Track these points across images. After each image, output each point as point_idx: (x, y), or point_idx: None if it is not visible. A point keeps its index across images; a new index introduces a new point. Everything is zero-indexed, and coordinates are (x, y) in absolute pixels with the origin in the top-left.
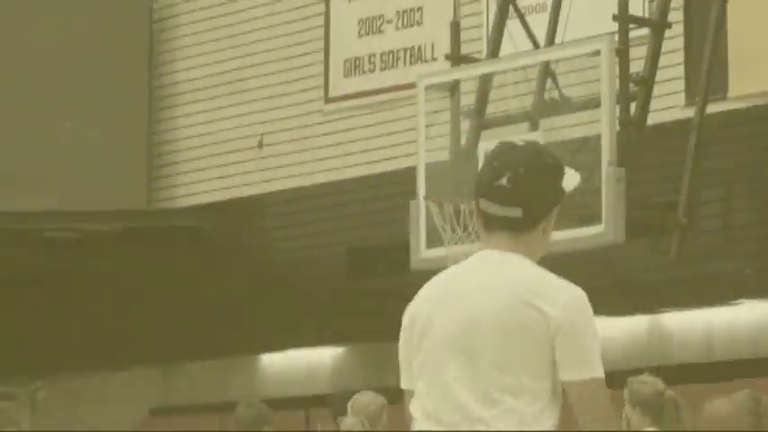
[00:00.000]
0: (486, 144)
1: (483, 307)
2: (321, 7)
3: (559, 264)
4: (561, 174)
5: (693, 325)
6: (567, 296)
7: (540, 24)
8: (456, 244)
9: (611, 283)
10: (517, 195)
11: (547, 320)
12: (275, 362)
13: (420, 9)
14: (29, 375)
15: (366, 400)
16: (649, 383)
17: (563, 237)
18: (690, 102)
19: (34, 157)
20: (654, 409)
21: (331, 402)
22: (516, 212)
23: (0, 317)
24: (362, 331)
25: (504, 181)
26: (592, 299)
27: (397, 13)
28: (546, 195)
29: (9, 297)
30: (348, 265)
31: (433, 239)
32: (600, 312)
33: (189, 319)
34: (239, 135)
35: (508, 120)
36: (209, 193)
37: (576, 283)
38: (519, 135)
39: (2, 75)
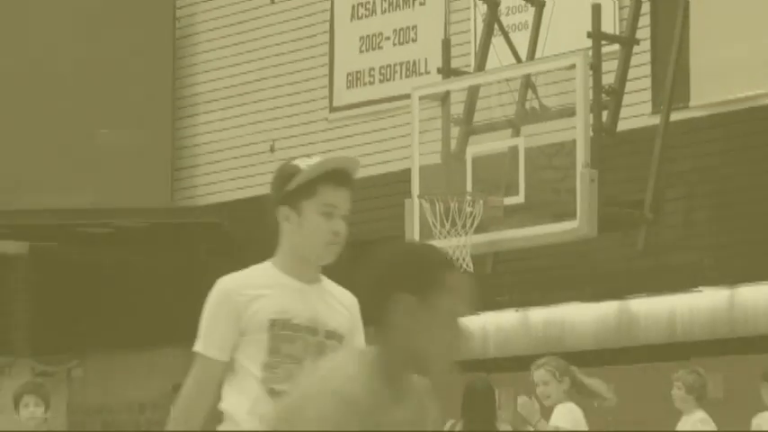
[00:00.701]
0: (474, 148)
1: None
2: (326, 26)
3: (537, 255)
4: (286, 180)
5: (657, 310)
6: None
7: (522, 41)
8: (445, 237)
9: (583, 273)
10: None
11: None
12: None
13: (415, 27)
14: (66, 354)
15: None
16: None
17: (542, 231)
18: (656, 110)
19: (72, 159)
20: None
21: None
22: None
23: (41, 301)
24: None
25: None
26: (568, 287)
27: (394, 30)
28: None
29: (49, 284)
30: (349, 257)
31: (425, 233)
32: (574, 299)
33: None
34: (253, 140)
35: (492, 127)
36: (227, 192)
37: (553, 272)
38: (502, 141)
39: (43, 87)
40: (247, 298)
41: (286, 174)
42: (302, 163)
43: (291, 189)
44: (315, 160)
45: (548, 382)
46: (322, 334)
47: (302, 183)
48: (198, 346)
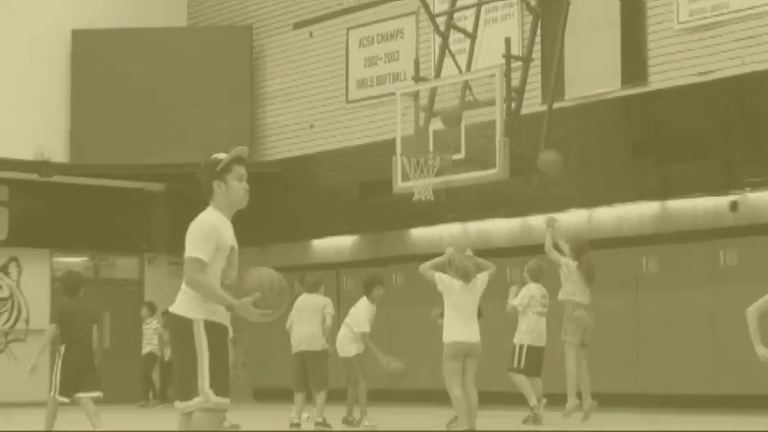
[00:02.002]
0: (434, 125)
1: None
2: (344, 51)
3: (473, 190)
4: (214, 166)
5: (542, 224)
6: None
7: (462, 59)
8: (416, 179)
9: (500, 200)
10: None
11: None
12: (315, 245)
13: (397, 52)
14: None
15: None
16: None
17: (475, 175)
18: (544, 101)
19: (182, 133)
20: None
21: None
22: None
23: (172, 217)
24: (371, 223)
25: None
26: (491, 209)
27: (385, 54)
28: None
29: (175, 205)
30: (360, 191)
31: (405, 177)
32: (495, 216)
33: (276, 216)
34: (302, 119)
35: (445, 111)
36: (285, 152)
37: (482, 200)
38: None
39: (165, 95)
40: (219, 230)
41: (213, 162)
42: (220, 155)
43: (220, 168)
44: (226, 154)
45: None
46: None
47: (225, 164)
48: (194, 254)
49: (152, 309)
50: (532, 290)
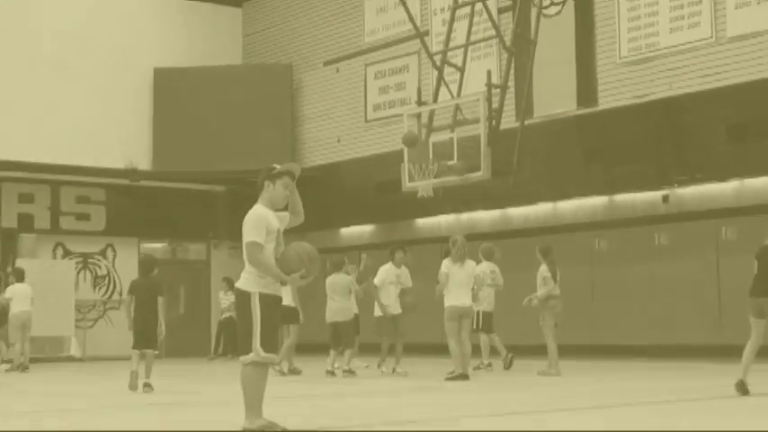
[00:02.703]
0: (433, 137)
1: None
2: (362, 82)
3: (463, 188)
4: (270, 170)
5: (518, 213)
6: (247, 215)
7: (454, 87)
8: (420, 180)
9: (484, 196)
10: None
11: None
12: (342, 232)
13: (404, 82)
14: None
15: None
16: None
17: (464, 177)
18: (517, 119)
19: (236, 150)
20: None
21: None
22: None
23: (233, 214)
24: (385, 214)
25: None
26: (478, 202)
27: (395, 83)
28: (261, 177)
29: (234, 205)
30: (376, 189)
31: (411, 178)
32: (480, 208)
33: (312, 210)
34: (331, 135)
35: (442, 127)
36: (319, 160)
37: (470, 196)
38: (447, 134)
39: (219, 131)
40: (266, 218)
41: (270, 168)
42: (276, 165)
43: (273, 173)
44: (281, 166)
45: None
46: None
47: (277, 172)
48: (252, 239)
49: (230, 284)
50: (484, 267)
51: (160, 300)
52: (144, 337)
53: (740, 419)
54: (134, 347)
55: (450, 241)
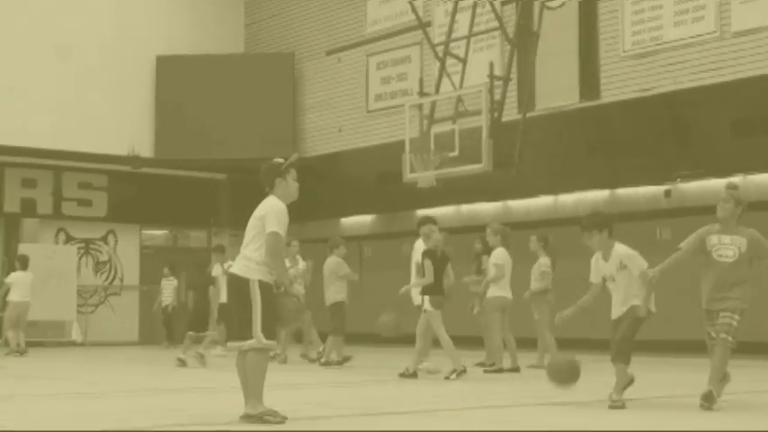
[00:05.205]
0: (435, 129)
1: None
2: (364, 72)
3: (464, 179)
4: (277, 167)
5: (519, 205)
6: (266, 205)
7: (456, 78)
8: (421, 172)
9: (486, 187)
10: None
11: (261, 220)
12: (343, 222)
13: (406, 73)
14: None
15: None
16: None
17: (466, 168)
18: (519, 112)
19: (237, 138)
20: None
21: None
22: None
23: (234, 202)
24: (383, 206)
25: None
26: (479, 193)
27: (397, 74)
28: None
29: (235, 192)
30: (377, 180)
31: (412, 169)
32: (482, 200)
33: (312, 199)
34: (332, 125)
35: (443, 119)
36: (321, 149)
37: (472, 187)
38: (448, 126)
39: (220, 119)
40: (285, 212)
41: (277, 164)
42: (279, 160)
43: (283, 169)
44: (286, 159)
45: (489, 234)
46: None
47: (285, 166)
48: (276, 229)
49: (172, 270)
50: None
51: (211, 289)
52: (195, 322)
53: (742, 416)
54: (192, 331)
55: (497, 230)
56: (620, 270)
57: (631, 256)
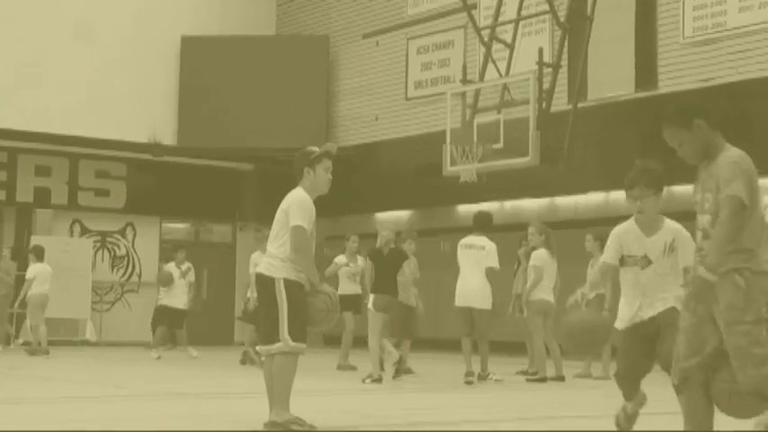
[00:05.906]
0: (478, 119)
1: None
2: (404, 57)
3: (509, 173)
4: (309, 155)
5: (566, 202)
6: (291, 197)
7: (503, 65)
8: (462, 164)
9: (531, 182)
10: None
11: (285, 213)
12: (378, 217)
13: (449, 59)
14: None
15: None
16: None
17: (511, 161)
18: (570, 102)
19: (269, 127)
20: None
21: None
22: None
23: (261, 193)
24: (424, 199)
25: None
26: (524, 189)
27: (439, 60)
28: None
29: (261, 183)
30: (416, 172)
31: (453, 162)
32: (527, 196)
33: (346, 192)
34: (369, 113)
35: (487, 108)
36: (356, 139)
37: (516, 182)
38: (492, 116)
39: (248, 105)
40: (313, 209)
41: (308, 152)
42: (313, 148)
43: (312, 158)
44: (320, 148)
45: (533, 233)
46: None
47: (317, 156)
48: (300, 222)
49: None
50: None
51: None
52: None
53: None
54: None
55: (541, 229)
56: (667, 253)
57: (689, 238)
